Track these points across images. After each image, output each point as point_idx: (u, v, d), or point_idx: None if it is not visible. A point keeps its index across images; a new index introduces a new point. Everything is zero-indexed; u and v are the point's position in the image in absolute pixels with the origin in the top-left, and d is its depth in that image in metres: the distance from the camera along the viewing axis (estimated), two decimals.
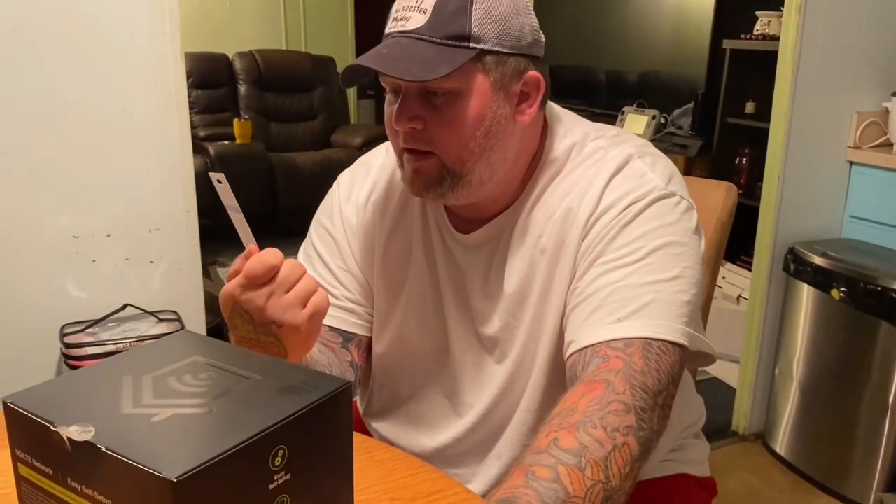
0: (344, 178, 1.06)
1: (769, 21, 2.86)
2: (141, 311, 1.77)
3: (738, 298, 2.69)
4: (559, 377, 0.93)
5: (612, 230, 0.86)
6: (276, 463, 0.51)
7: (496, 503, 0.65)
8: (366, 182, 1.03)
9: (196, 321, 1.88)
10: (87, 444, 0.49)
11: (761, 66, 2.90)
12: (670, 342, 0.80)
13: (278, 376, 0.58)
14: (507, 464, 0.98)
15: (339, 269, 1.02)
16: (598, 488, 0.67)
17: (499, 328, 0.96)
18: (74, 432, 0.50)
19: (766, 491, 2.20)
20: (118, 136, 1.75)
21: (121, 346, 1.63)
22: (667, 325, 0.80)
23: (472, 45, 0.82)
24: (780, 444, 2.33)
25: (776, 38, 2.78)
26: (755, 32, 2.92)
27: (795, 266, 2.21)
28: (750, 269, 2.48)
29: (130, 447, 0.48)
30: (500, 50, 0.84)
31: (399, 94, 0.86)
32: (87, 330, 1.70)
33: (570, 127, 0.95)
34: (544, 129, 0.95)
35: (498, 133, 0.87)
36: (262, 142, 4.71)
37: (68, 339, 1.68)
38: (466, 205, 0.93)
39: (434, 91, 0.84)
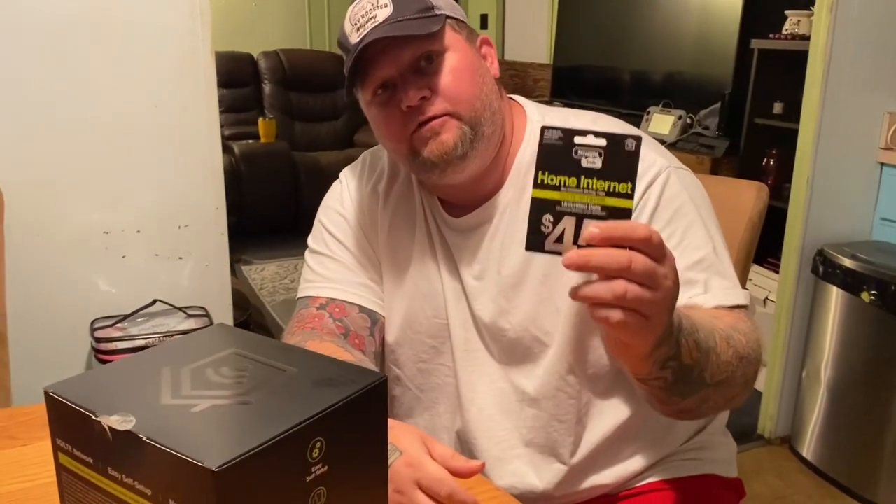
0: (347, 170, 1.10)
1: (798, 20, 2.82)
2: (170, 307, 1.79)
3: (764, 301, 2.66)
4: (579, 361, 0.94)
5: (639, 218, 0.89)
6: (314, 455, 0.51)
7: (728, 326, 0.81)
8: (372, 172, 1.07)
9: (224, 317, 1.89)
10: (128, 434, 0.50)
11: (790, 67, 2.86)
12: (744, 305, 0.89)
13: (314, 369, 0.58)
14: (524, 454, 0.98)
15: (356, 250, 1.05)
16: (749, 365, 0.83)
17: (493, 312, 0.97)
18: (116, 422, 0.51)
19: (792, 495, 2.18)
20: (149, 132, 1.76)
21: (150, 341, 1.64)
22: (736, 291, 0.89)
23: (437, 12, 0.91)
24: (807, 449, 2.30)
25: (805, 38, 2.74)
26: (784, 32, 2.88)
27: (825, 268, 2.19)
28: (776, 272, 2.46)
29: (171, 437, 0.48)
30: (455, 17, 0.94)
31: (388, 87, 0.91)
32: (117, 325, 1.71)
33: (545, 112, 1.01)
34: (520, 117, 1.00)
35: (488, 82, 0.94)
36: (286, 141, 4.74)
37: (98, 334, 1.70)
38: (457, 187, 0.96)
39: (425, 62, 0.90)
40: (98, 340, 1.67)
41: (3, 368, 1.33)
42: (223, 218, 1.84)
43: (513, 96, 1.03)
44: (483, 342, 1.00)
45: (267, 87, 5.01)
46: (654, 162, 0.92)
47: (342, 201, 1.07)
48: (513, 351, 0.98)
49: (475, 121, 0.90)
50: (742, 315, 0.88)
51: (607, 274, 0.62)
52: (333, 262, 1.04)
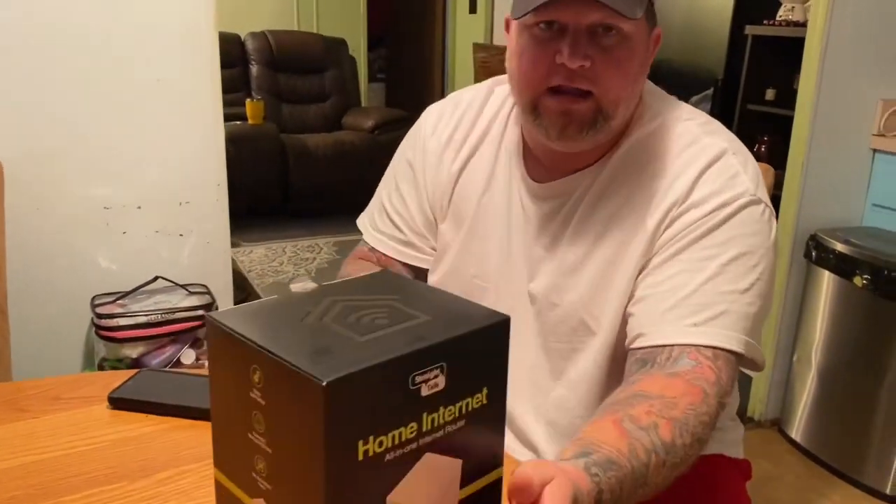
0: (433, 110, 1.08)
1: (793, 7, 2.84)
2: (171, 284, 1.77)
3: None
4: (623, 353, 0.91)
5: (698, 228, 0.86)
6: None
7: (602, 458, 0.67)
8: (451, 119, 1.05)
9: (225, 295, 1.88)
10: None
11: (783, 53, 2.88)
12: (735, 352, 0.83)
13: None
14: (542, 432, 0.98)
15: (411, 201, 1.06)
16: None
17: (544, 285, 0.95)
18: (297, 286, 0.55)
19: (782, 476, 2.21)
20: (151, 107, 1.74)
21: (151, 317, 1.63)
22: (736, 336, 0.83)
23: None
24: (797, 431, 2.34)
25: (799, 25, 2.76)
26: (778, 18, 2.90)
27: (817, 253, 2.21)
28: None
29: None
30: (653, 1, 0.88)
31: (553, 27, 0.85)
32: (118, 301, 1.70)
33: (662, 102, 0.95)
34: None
35: (642, 80, 0.90)
36: (274, 123, 4.70)
37: (100, 310, 1.68)
38: (549, 154, 0.93)
39: (606, 31, 0.84)
40: (99, 316, 1.65)
41: (3, 341, 1.31)
42: (224, 195, 1.83)
43: None
44: (530, 312, 0.98)
45: (254, 69, 4.95)
46: (741, 185, 0.87)
47: (415, 148, 1.06)
48: (557, 328, 0.96)
49: (612, 113, 0.87)
50: (716, 372, 0.81)
51: None
52: (387, 216, 1.08)
